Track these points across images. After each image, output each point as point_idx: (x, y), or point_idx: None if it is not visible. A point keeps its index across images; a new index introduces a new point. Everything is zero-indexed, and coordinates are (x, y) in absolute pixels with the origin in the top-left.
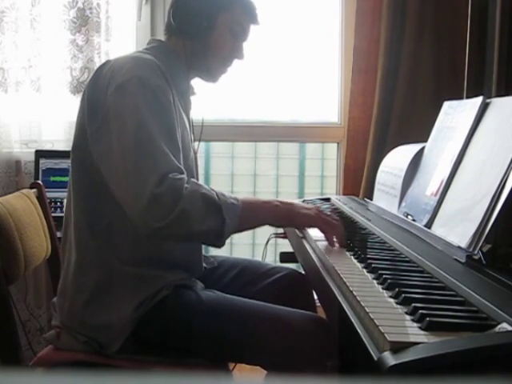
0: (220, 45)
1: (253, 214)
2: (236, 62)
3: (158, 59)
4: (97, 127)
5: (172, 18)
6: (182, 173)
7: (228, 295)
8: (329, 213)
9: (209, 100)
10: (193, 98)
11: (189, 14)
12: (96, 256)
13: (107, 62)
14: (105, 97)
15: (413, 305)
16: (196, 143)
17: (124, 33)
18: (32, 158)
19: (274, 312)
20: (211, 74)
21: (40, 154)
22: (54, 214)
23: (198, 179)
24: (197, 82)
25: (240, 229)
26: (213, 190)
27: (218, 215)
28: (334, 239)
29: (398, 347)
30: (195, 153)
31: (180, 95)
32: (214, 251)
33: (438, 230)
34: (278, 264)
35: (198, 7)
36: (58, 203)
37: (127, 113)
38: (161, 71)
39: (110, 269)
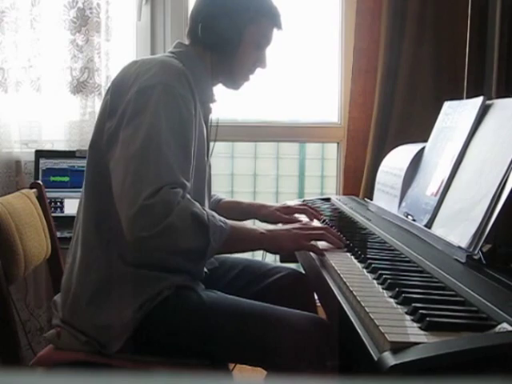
0: (246, 58)
1: (238, 240)
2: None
3: (185, 65)
4: (113, 126)
5: (200, 32)
6: (182, 187)
7: (229, 296)
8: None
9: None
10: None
11: (218, 29)
12: (101, 256)
13: (134, 61)
14: (125, 97)
15: (413, 305)
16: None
17: (124, 33)
18: (32, 157)
19: (274, 313)
20: (235, 83)
21: (40, 154)
22: (53, 214)
23: (210, 187)
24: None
25: (223, 252)
26: (204, 209)
27: (204, 236)
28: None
29: (398, 347)
30: (208, 159)
31: (202, 103)
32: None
33: (438, 230)
34: (279, 264)
35: (228, 23)
36: (58, 203)
37: (144, 117)
38: (187, 80)
39: (113, 269)
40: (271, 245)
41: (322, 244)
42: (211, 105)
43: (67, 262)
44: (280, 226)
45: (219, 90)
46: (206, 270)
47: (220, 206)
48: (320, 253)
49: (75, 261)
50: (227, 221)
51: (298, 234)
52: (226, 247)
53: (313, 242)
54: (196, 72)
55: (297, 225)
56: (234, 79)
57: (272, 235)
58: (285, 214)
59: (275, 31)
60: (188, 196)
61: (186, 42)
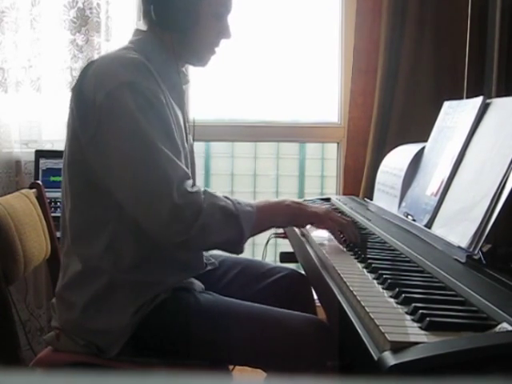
0: (207, 31)
1: (266, 218)
2: (225, 42)
3: (145, 53)
4: (90, 136)
5: (153, 13)
6: (189, 177)
7: (227, 298)
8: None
9: (209, 100)
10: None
11: (170, 7)
12: (97, 265)
13: (91, 63)
14: (93, 103)
15: (413, 305)
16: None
17: (124, 33)
18: (32, 157)
19: (273, 315)
20: (201, 60)
21: (40, 154)
22: (53, 214)
23: (194, 172)
24: (197, 80)
25: (255, 233)
26: (228, 198)
27: (237, 225)
28: (343, 237)
29: (398, 347)
30: (191, 145)
31: (171, 88)
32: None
33: (438, 229)
34: (279, 264)
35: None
36: (58, 203)
37: (122, 122)
38: (148, 70)
39: (110, 277)
40: (298, 215)
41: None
42: (184, 86)
43: (60, 270)
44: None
45: (220, 90)
46: (205, 261)
47: None
48: (337, 236)
49: (69, 269)
50: (252, 203)
51: (326, 212)
52: (256, 229)
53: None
54: (158, 58)
55: (326, 207)
56: (200, 55)
57: (299, 207)
58: None
59: None
60: (208, 190)
61: (144, 27)
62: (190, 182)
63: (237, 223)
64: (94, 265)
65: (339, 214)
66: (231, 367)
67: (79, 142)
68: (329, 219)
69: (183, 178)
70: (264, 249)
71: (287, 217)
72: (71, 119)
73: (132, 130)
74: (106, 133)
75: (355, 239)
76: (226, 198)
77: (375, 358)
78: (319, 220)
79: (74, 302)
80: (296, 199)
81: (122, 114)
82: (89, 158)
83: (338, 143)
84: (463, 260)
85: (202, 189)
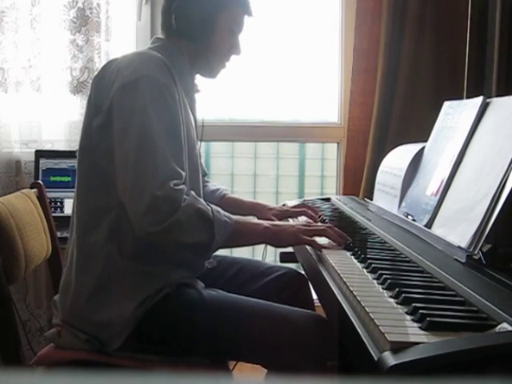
0: (221, 45)
1: (242, 234)
2: (234, 57)
3: (165, 56)
4: (101, 123)
5: (174, 22)
6: (181, 178)
7: (230, 294)
8: (318, 221)
9: (209, 100)
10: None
11: (191, 18)
12: (100, 252)
13: (113, 60)
14: (109, 92)
15: (413, 305)
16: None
17: (124, 33)
18: (32, 157)
19: (275, 311)
20: (211, 71)
21: (40, 154)
22: (54, 214)
23: (203, 174)
24: (197, 80)
25: (227, 246)
26: (209, 205)
27: (210, 231)
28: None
29: (398, 347)
30: (198, 149)
31: (186, 93)
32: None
33: (438, 229)
34: (277, 263)
35: (199, 11)
36: (58, 203)
37: (133, 113)
38: (168, 69)
39: (113, 265)
40: (273, 239)
41: (323, 241)
42: (196, 95)
43: (65, 263)
44: (286, 222)
45: (218, 91)
46: (206, 264)
47: (223, 202)
48: (318, 247)
49: (73, 260)
50: (232, 216)
51: (300, 229)
52: (230, 241)
53: (316, 239)
54: (176, 62)
55: (302, 222)
56: (211, 67)
57: (275, 230)
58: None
59: (247, 18)
60: (192, 193)
61: (162, 36)
62: (177, 181)
63: (210, 229)
64: (97, 252)
65: (319, 223)
66: (231, 366)
67: (91, 127)
68: (306, 236)
69: (172, 176)
70: (264, 249)
71: (264, 239)
72: (87, 112)
73: (139, 124)
74: (116, 120)
75: (344, 240)
76: (207, 204)
77: (375, 358)
78: (297, 241)
79: (77, 292)
80: (276, 222)
81: (132, 107)
82: (96, 143)
83: (338, 143)
84: (463, 260)
85: (188, 191)
